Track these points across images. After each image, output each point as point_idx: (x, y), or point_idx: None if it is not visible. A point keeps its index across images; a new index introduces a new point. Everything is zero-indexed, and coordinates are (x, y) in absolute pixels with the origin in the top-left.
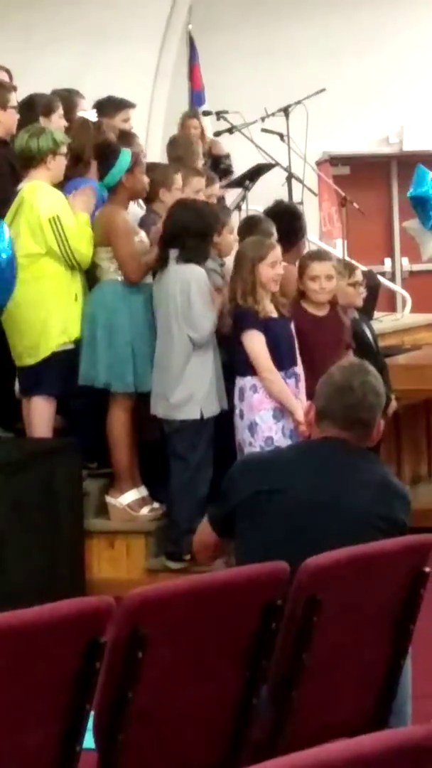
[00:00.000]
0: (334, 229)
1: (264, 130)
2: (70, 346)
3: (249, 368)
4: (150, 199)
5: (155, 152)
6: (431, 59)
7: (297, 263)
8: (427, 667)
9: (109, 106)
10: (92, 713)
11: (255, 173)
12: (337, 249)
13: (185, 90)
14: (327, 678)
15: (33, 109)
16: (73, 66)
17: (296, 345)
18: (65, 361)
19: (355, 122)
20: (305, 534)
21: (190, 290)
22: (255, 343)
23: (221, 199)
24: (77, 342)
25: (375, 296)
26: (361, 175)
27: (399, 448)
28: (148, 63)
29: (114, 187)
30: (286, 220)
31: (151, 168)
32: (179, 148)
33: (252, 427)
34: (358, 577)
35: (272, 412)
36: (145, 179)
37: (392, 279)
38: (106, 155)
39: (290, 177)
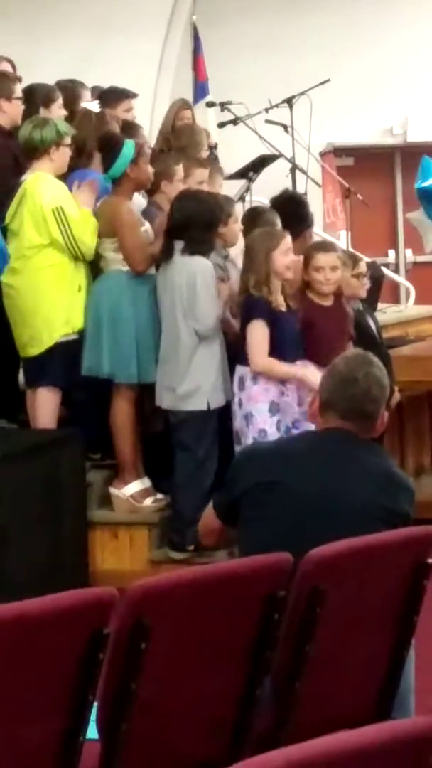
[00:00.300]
0: (338, 220)
1: (268, 122)
2: (74, 337)
3: None
4: (151, 191)
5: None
6: None
7: (303, 254)
8: (430, 660)
9: (111, 96)
10: (95, 704)
11: (259, 164)
12: (341, 240)
13: (189, 81)
14: (330, 669)
15: (32, 99)
16: (77, 57)
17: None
18: (69, 352)
19: (359, 113)
20: (308, 525)
21: (196, 282)
22: (257, 334)
23: None
24: (81, 333)
25: (379, 288)
26: (365, 167)
27: (402, 439)
28: (152, 54)
29: (118, 178)
30: (291, 208)
31: (153, 159)
32: (182, 138)
33: (248, 418)
34: (362, 569)
35: (268, 405)
36: (150, 170)
37: (396, 270)
38: (110, 146)
39: (294, 168)
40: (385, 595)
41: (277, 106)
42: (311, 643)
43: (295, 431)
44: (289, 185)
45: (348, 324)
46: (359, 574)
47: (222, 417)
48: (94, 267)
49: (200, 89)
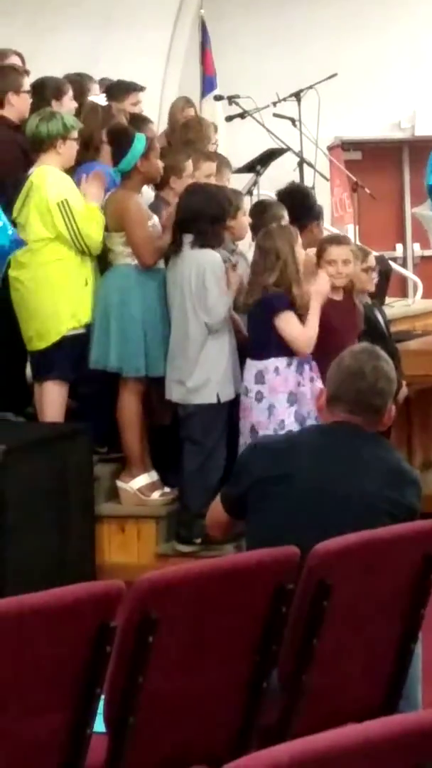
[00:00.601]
0: (345, 214)
1: (276, 115)
2: (81, 331)
3: (274, 350)
4: (160, 185)
5: None
6: None
7: (315, 247)
8: None
9: (118, 89)
10: (102, 697)
11: (266, 158)
12: (349, 234)
13: (197, 75)
14: (337, 662)
15: (43, 92)
16: (84, 50)
17: None
18: (76, 346)
19: (367, 107)
20: (315, 518)
21: (205, 275)
22: (292, 325)
23: None
24: (88, 327)
25: (387, 282)
26: (372, 160)
27: (410, 433)
28: (160, 48)
29: (128, 171)
30: (298, 199)
31: (162, 154)
32: (191, 131)
33: (270, 409)
34: (369, 562)
35: (287, 395)
36: (160, 164)
37: (404, 264)
38: (120, 140)
39: (302, 162)
40: (392, 589)
41: (284, 99)
42: (318, 636)
43: (310, 422)
44: (296, 179)
45: (357, 318)
46: (366, 567)
47: (229, 411)
48: (103, 261)
49: (208, 83)
